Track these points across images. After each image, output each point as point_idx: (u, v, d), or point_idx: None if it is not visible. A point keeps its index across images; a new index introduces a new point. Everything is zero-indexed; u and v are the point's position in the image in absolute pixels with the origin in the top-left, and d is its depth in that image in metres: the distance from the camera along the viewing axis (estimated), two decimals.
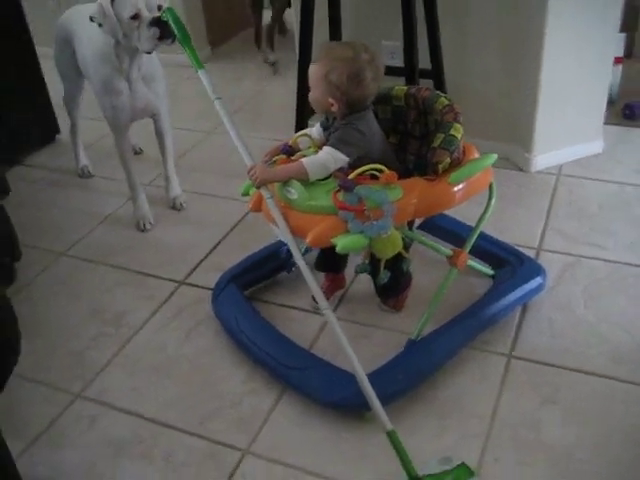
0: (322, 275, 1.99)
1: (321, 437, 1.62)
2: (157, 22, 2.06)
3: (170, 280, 2.18)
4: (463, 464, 1.48)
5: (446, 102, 1.70)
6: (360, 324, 1.93)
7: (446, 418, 1.65)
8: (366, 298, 2.01)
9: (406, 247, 1.69)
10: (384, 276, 1.72)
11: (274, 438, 1.63)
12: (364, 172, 1.58)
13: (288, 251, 2.04)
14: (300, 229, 1.58)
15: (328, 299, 1.97)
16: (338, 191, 1.56)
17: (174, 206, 2.53)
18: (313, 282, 1.60)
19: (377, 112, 1.76)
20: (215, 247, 2.31)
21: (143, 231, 2.42)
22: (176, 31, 1.83)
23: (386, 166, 1.59)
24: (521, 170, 2.61)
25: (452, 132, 1.64)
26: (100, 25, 2.12)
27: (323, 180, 1.61)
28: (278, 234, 1.67)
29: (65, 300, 2.15)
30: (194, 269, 2.22)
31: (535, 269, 1.96)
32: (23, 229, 2.31)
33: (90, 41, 2.26)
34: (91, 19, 2.13)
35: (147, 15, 2.07)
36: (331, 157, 1.59)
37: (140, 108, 2.30)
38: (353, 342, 1.81)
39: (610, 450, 1.54)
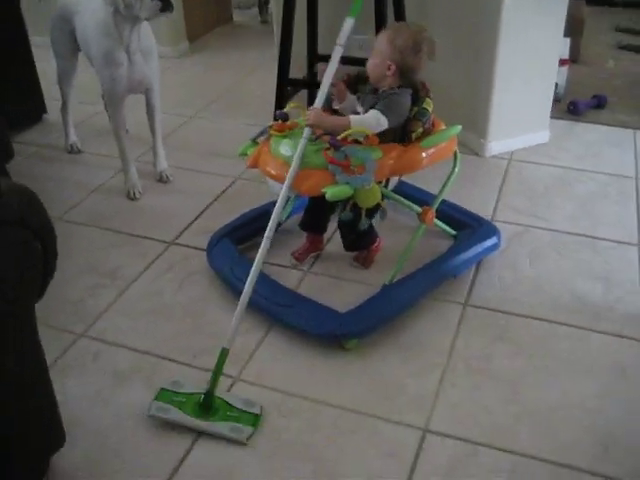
0: (303, 238, 2.24)
1: (302, 367, 1.85)
2: None
3: (161, 241, 2.38)
4: (257, 415, 1.67)
5: (419, 81, 1.98)
6: (334, 277, 2.17)
7: (409, 351, 1.90)
8: (340, 257, 2.25)
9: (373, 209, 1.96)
10: (365, 222, 1.96)
11: (261, 368, 1.86)
12: (348, 135, 1.84)
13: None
14: (296, 181, 1.82)
15: (305, 259, 2.22)
16: (328, 149, 1.82)
17: (161, 179, 2.74)
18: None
19: (358, 90, 2.02)
20: (200, 214, 2.53)
21: (133, 199, 2.62)
22: None
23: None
24: (477, 155, 2.90)
25: (424, 106, 1.93)
26: None
27: (311, 141, 1.86)
28: (273, 187, 1.91)
29: (61, 258, 2.29)
30: (182, 232, 2.43)
31: (492, 230, 2.25)
32: None
33: (93, 16, 2.43)
34: None
35: None
36: (375, 119, 1.85)
37: (137, 80, 2.49)
38: (327, 291, 2.09)
39: (548, 377, 1.81)
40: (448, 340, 1.93)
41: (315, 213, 2.14)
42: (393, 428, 1.67)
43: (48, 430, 1.52)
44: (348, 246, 2.18)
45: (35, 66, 3.20)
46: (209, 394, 1.68)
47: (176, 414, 1.66)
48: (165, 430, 1.68)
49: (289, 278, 2.17)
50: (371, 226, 2.09)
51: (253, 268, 1.77)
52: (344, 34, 1.89)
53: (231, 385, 1.80)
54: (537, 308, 2.04)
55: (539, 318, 2.00)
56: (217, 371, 1.69)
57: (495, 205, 2.54)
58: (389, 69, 1.89)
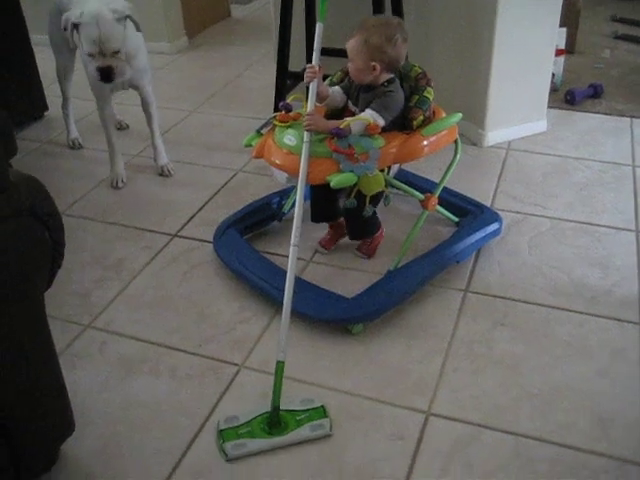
0: (309, 226, 2.24)
1: (307, 353, 1.88)
2: (102, 69, 2.35)
3: (164, 234, 2.41)
4: (321, 406, 1.70)
5: (420, 70, 2.03)
6: (337, 267, 2.21)
7: (412, 339, 1.92)
8: (342, 246, 2.28)
9: (377, 196, 1.99)
10: (369, 210, 1.99)
11: (265, 356, 1.88)
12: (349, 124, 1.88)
13: (278, 203, 2.34)
14: (299, 170, 1.85)
15: (332, 246, 2.27)
16: (332, 138, 1.85)
17: (162, 172, 2.77)
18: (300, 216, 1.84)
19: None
20: (203, 206, 2.56)
21: (115, 188, 2.68)
22: None
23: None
24: (475, 145, 2.93)
25: (425, 94, 1.97)
26: (65, 29, 2.36)
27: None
28: (278, 176, 1.95)
29: (66, 251, 2.32)
30: (186, 224, 2.46)
31: (493, 216, 2.29)
32: None
33: None
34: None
35: (98, 60, 2.34)
36: (372, 119, 1.88)
37: (120, 80, 2.49)
38: (331, 280, 2.12)
39: (548, 360, 1.84)
40: (450, 326, 1.96)
41: (320, 204, 2.17)
42: (397, 412, 1.70)
43: (57, 418, 1.54)
44: (353, 234, 2.21)
45: (36, 64, 3.23)
46: (276, 410, 1.65)
47: (253, 444, 1.61)
48: (173, 415, 1.71)
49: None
50: (375, 214, 2.12)
51: (288, 277, 1.76)
52: (318, 39, 1.93)
53: (236, 373, 1.83)
54: (537, 293, 2.07)
55: (539, 303, 2.03)
56: (277, 385, 1.66)
57: (494, 194, 2.58)
58: (375, 69, 1.92)
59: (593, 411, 1.69)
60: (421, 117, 1.96)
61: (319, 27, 1.94)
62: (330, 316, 1.92)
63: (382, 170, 1.95)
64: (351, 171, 1.82)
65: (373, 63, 1.91)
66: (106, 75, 2.37)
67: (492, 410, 1.70)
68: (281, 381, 1.66)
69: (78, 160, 2.96)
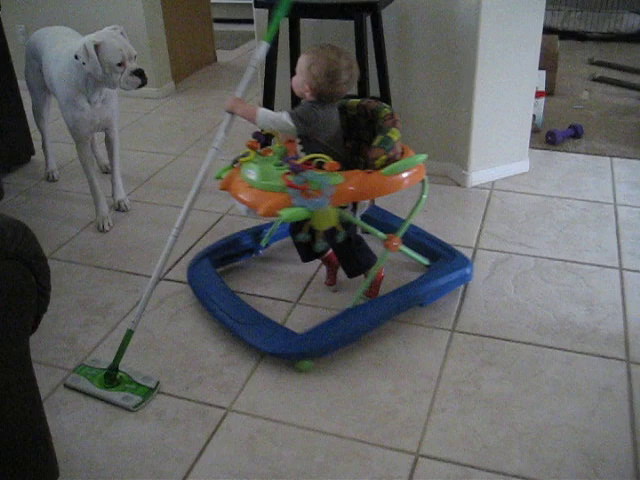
0: (289, 263, 2.33)
1: (292, 396, 1.87)
2: (139, 73, 2.44)
3: (150, 277, 2.40)
4: (150, 389, 1.88)
5: (388, 111, 2.06)
6: (322, 308, 2.21)
7: (399, 379, 1.92)
8: (329, 289, 2.29)
9: (346, 226, 2.00)
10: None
11: (253, 398, 1.87)
12: (312, 160, 1.92)
13: (254, 236, 2.42)
14: (256, 203, 1.91)
15: (335, 279, 2.30)
16: (288, 174, 1.89)
17: (119, 208, 2.83)
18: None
19: None
20: (189, 249, 2.56)
21: (102, 231, 2.69)
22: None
23: (332, 153, 1.94)
24: (459, 185, 2.97)
25: (389, 134, 1.99)
26: (84, 63, 2.41)
27: (278, 165, 1.96)
28: (239, 207, 1.99)
29: (52, 295, 2.31)
30: (172, 267, 2.46)
31: (464, 261, 2.27)
32: None
33: (57, 62, 2.55)
34: (76, 57, 2.42)
35: (130, 65, 2.42)
36: (281, 120, 1.95)
37: (97, 123, 2.60)
38: (315, 321, 2.10)
39: (536, 399, 1.84)
40: (437, 366, 1.96)
41: (304, 245, 2.18)
42: (386, 453, 1.69)
43: (41, 464, 1.52)
44: (348, 271, 2.20)
45: (23, 109, 3.25)
46: (112, 368, 1.91)
47: (84, 384, 1.92)
48: (160, 460, 1.69)
49: (279, 310, 2.20)
50: (367, 249, 2.16)
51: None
52: (257, 57, 1.99)
53: (223, 416, 1.82)
54: (523, 332, 2.08)
55: (526, 342, 2.04)
56: (121, 349, 1.92)
57: (478, 233, 2.60)
58: (306, 91, 1.98)
59: (582, 449, 1.68)
60: (384, 157, 1.96)
61: (265, 46, 1.98)
62: (276, 350, 1.95)
63: (344, 207, 1.98)
64: (303, 206, 1.85)
65: (306, 87, 1.97)
66: (142, 74, 2.46)
67: (481, 450, 1.69)
68: (125, 347, 1.91)
69: (64, 203, 2.96)
